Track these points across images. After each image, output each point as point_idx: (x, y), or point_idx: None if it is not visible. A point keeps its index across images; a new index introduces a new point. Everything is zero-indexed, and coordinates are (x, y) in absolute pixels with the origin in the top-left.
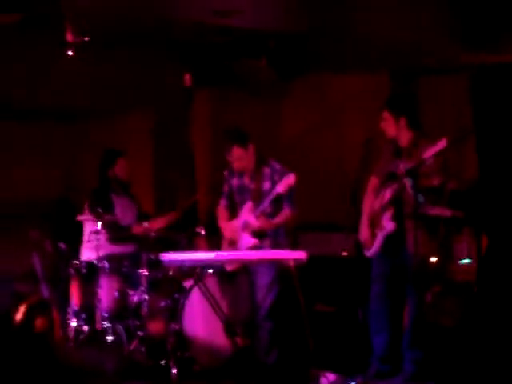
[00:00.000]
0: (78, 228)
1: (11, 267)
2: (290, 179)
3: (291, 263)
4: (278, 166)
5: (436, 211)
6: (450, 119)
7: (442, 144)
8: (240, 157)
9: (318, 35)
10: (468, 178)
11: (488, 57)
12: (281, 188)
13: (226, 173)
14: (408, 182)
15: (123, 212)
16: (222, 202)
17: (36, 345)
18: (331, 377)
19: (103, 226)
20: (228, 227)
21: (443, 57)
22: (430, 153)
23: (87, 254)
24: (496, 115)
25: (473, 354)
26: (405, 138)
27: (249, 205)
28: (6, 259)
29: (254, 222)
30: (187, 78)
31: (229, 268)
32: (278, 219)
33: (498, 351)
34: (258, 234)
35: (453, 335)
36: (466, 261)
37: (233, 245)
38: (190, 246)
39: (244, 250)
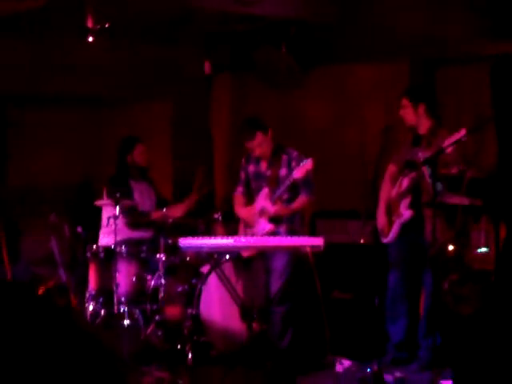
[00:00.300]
0: (97, 213)
1: (34, 252)
2: (307, 165)
3: (308, 250)
4: (295, 153)
5: (454, 200)
6: (468, 109)
7: (461, 133)
8: (261, 143)
9: (338, 24)
10: (487, 167)
11: (509, 46)
12: (298, 174)
13: (243, 160)
14: (426, 171)
15: (141, 197)
16: (239, 189)
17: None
18: (346, 363)
19: (121, 211)
20: (244, 213)
21: (467, 48)
22: (449, 142)
23: (105, 239)
24: None
25: (490, 342)
26: (424, 126)
27: (265, 191)
28: (28, 244)
29: (271, 208)
30: (207, 65)
31: (245, 254)
32: (295, 205)
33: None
34: (275, 220)
35: (470, 323)
36: (483, 249)
37: (249, 231)
38: (208, 232)
39: (260, 235)
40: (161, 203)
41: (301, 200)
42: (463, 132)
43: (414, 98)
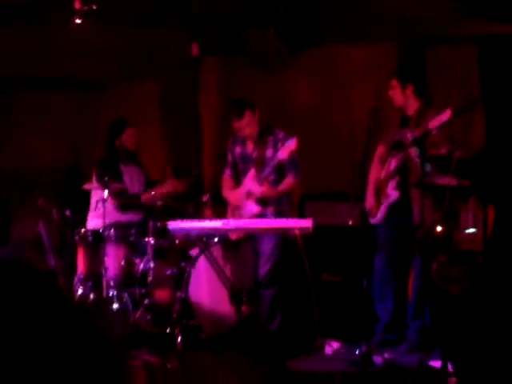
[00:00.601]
0: (86, 197)
1: (22, 236)
2: (291, 144)
3: (297, 232)
4: (281, 134)
5: (442, 180)
6: (457, 89)
7: (446, 115)
8: (250, 122)
9: (326, 5)
10: (475, 147)
11: (498, 27)
12: (283, 154)
13: (229, 142)
14: (415, 151)
15: (131, 181)
16: (227, 172)
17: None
18: (336, 345)
19: (111, 194)
20: (232, 196)
21: (455, 29)
22: (434, 123)
23: (93, 222)
24: (504, 84)
25: (478, 323)
26: (412, 106)
27: (252, 172)
28: (17, 228)
29: (258, 189)
30: (194, 47)
31: (233, 237)
32: (282, 186)
33: (503, 321)
34: (262, 202)
35: (459, 303)
36: (471, 230)
37: (237, 213)
38: (197, 215)
39: (248, 217)
40: (150, 185)
41: (288, 181)
42: (448, 113)
43: (402, 78)
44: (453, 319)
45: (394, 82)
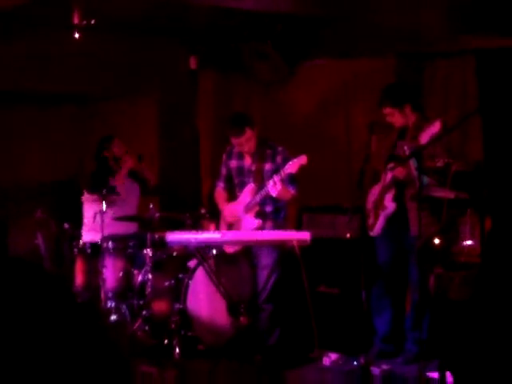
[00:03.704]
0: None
1: (21, 248)
2: (302, 160)
3: (295, 244)
4: (280, 148)
5: (440, 193)
6: (455, 102)
7: (436, 127)
8: (249, 138)
9: (324, 20)
10: (473, 160)
11: (495, 41)
12: (292, 168)
13: (224, 155)
14: (412, 164)
15: (126, 193)
16: (220, 184)
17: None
18: (333, 356)
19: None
20: (227, 209)
21: (451, 42)
22: (425, 137)
23: (89, 235)
24: (502, 98)
25: (477, 334)
26: (410, 120)
27: (250, 186)
28: (15, 241)
29: (275, 190)
30: (192, 60)
31: (229, 250)
32: (289, 193)
33: (501, 333)
34: (260, 216)
35: (456, 314)
36: (468, 242)
37: (231, 227)
38: (195, 227)
39: (247, 231)
40: (149, 192)
41: (291, 192)
42: (438, 124)
43: (397, 102)
44: (451, 330)
45: (389, 110)
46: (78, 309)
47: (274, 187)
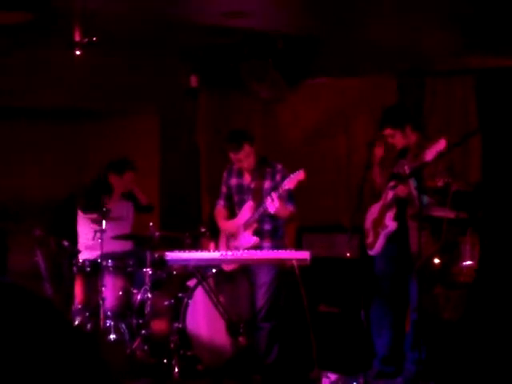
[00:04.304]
0: (81, 227)
1: (19, 267)
2: (299, 175)
3: (295, 263)
4: (279, 166)
5: (440, 212)
6: (456, 120)
7: (441, 144)
8: (248, 154)
9: (324, 38)
10: (473, 180)
11: (494, 60)
12: (290, 184)
13: (224, 173)
14: (412, 183)
15: (119, 210)
16: (220, 202)
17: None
18: (333, 377)
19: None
20: (228, 226)
21: (451, 62)
22: (430, 155)
23: (86, 253)
24: (501, 118)
25: (473, 353)
26: (411, 140)
27: (250, 204)
28: (14, 259)
29: (273, 207)
30: (193, 79)
31: (227, 268)
32: (288, 210)
33: (497, 350)
34: (258, 234)
35: (454, 331)
36: (468, 263)
37: (232, 244)
38: (194, 246)
39: (244, 248)
40: (142, 210)
41: (289, 209)
42: (443, 142)
43: (397, 123)
44: (449, 348)
45: (390, 131)
46: (68, 336)
47: (272, 204)
